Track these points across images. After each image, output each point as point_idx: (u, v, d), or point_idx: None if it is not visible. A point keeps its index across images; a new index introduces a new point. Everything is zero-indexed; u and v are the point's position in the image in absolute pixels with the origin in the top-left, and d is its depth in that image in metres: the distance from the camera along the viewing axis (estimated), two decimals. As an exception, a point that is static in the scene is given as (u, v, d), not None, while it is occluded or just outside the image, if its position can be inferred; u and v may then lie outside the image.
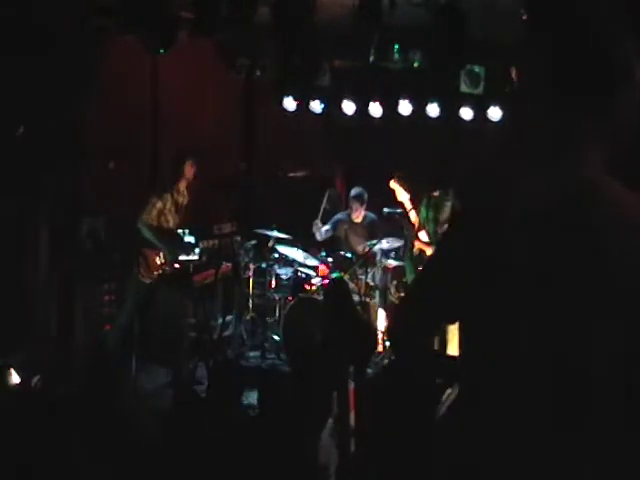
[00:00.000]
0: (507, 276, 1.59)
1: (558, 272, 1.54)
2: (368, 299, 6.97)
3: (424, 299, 1.79)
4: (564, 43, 1.60)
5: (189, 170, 6.28)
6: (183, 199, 6.34)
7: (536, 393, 1.57)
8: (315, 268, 7.17)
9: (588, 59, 1.57)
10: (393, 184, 6.86)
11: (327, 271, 7.06)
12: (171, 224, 6.23)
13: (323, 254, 7.25)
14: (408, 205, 6.85)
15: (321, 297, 6.75)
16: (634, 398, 1.53)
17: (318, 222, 7.41)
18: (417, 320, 1.80)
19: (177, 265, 6.24)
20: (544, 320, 1.55)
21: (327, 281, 6.91)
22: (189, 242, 6.37)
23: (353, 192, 7.47)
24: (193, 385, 5.90)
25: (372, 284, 7.06)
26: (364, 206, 7.42)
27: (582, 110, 1.61)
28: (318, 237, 7.47)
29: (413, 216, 6.85)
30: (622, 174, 1.62)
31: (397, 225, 7.21)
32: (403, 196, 6.84)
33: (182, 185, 6.30)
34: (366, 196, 7.40)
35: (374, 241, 7.06)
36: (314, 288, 7.05)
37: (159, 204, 6.09)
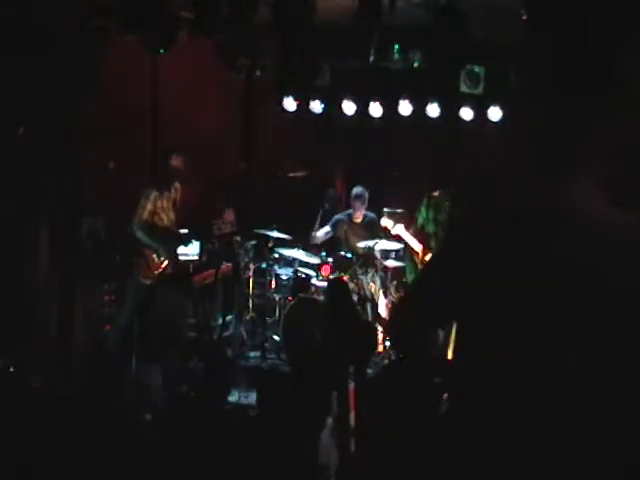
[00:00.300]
0: (506, 276, 1.59)
1: (556, 274, 1.55)
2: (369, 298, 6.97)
3: (424, 299, 1.79)
4: (564, 43, 1.60)
5: (177, 163, 6.25)
6: (177, 194, 6.31)
7: (535, 393, 1.57)
8: (317, 268, 7.17)
9: (588, 59, 1.57)
10: (384, 221, 6.91)
11: (330, 271, 7.04)
12: (165, 222, 6.22)
13: (323, 254, 7.25)
14: (406, 235, 6.88)
15: (321, 297, 6.74)
16: (631, 399, 1.53)
17: (315, 233, 7.42)
18: (417, 320, 1.80)
19: (176, 262, 6.24)
20: (542, 321, 1.55)
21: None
22: (185, 234, 6.35)
23: (354, 191, 7.47)
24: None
25: (367, 293, 7.04)
26: (365, 205, 7.42)
27: (582, 110, 1.62)
28: (317, 242, 7.48)
29: (416, 245, 6.85)
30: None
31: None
32: (398, 228, 6.87)
33: (175, 181, 6.30)
34: (367, 195, 7.40)
35: (373, 241, 7.06)
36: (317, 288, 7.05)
37: (149, 206, 6.06)
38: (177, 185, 6.27)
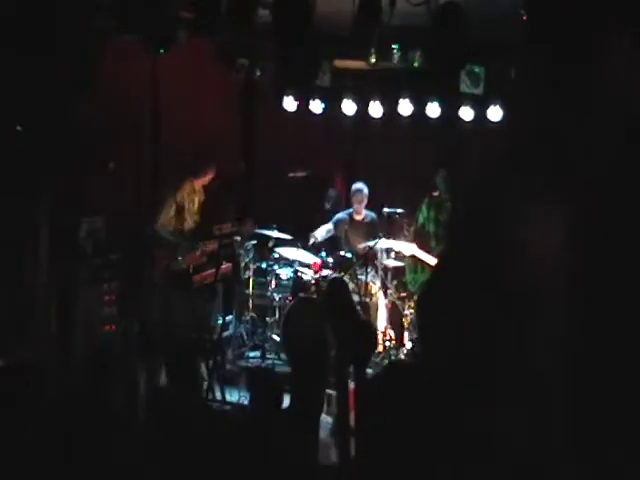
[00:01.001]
0: (496, 278, 1.60)
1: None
2: (368, 299, 6.97)
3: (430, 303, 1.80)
4: (564, 44, 1.60)
5: (208, 176, 6.66)
6: (200, 197, 6.57)
7: (522, 393, 1.58)
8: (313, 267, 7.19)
9: (588, 62, 1.58)
10: (398, 246, 6.91)
11: (320, 267, 7.07)
12: (190, 222, 6.47)
13: (323, 254, 7.26)
14: (420, 254, 6.93)
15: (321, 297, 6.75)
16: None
17: (314, 234, 7.43)
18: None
19: (184, 266, 6.37)
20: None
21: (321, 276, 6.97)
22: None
23: (354, 187, 7.48)
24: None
25: (376, 284, 7.06)
26: (365, 201, 7.42)
27: (581, 111, 1.62)
28: (315, 242, 7.49)
29: (432, 261, 6.86)
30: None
31: (397, 225, 7.22)
32: (412, 249, 6.94)
33: (198, 185, 6.53)
34: (367, 191, 7.40)
35: (373, 241, 7.06)
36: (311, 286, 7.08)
37: (173, 207, 6.30)
38: (198, 188, 6.55)
